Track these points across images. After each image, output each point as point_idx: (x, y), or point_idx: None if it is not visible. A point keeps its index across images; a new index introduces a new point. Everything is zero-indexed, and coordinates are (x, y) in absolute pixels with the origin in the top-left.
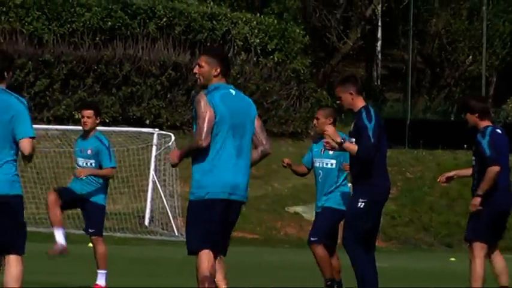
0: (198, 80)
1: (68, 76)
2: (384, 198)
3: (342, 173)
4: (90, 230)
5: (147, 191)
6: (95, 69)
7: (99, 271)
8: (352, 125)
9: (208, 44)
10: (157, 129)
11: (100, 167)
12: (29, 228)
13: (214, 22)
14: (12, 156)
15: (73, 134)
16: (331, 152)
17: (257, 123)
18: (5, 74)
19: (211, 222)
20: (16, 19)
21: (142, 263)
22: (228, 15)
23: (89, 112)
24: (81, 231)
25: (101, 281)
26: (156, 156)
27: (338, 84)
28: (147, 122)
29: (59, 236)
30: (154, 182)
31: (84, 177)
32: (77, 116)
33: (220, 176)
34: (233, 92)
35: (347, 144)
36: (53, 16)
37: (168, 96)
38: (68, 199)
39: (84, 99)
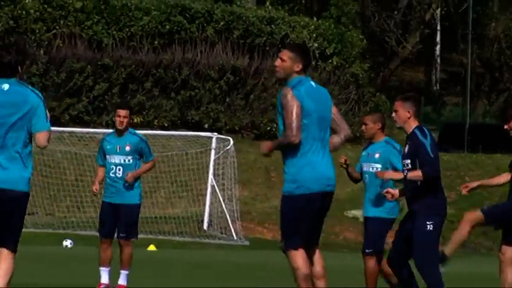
0: (277, 72)
1: (127, 80)
2: (446, 211)
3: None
4: (122, 234)
5: (205, 195)
6: (153, 73)
7: (122, 271)
8: (407, 148)
9: (270, 49)
10: (215, 133)
11: (135, 163)
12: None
13: (272, 26)
14: (28, 150)
15: None
16: (377, 156)
17: (334, 110)
18: (19, 67)
19: (309, 218)
20: (76, 23)
21: (201, 267)
22: (286, 19)
23: (125, 112)
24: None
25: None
26: (214, 160)
27: (400, 99)
28: (206, 126)
29: (104, 276)
30: (213, 186)
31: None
32: (135, 120)
33: (316, 169)
34: (313, 84)
35: (410, 174)
36: (112, 20)
37: (227, 100)
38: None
39: (142, 103)
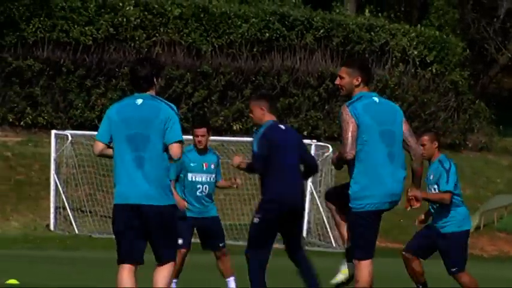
0: (341, 90)
1: (226, 87)
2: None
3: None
4: (221, 244)
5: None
6: (252, 81)
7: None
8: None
9: (370, 56)
10: (314, 141)
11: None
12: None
13: (372, 33)
14: (165, 162)
15: (231, 144)
16: (431, 177)
17: (405, 127)
18: (155, 80)
19: (372, 233)
20: (175, 30)
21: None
22: (386, 26)
23: (202, 130)
24: (234, 242)
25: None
26: None
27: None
28: (305, 133)
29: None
30: (311, 193)
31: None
32: (235, 128)
33: (379, 186)
34: (377, 99)
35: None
36: (211, 27)
37: (326, 107)
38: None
39: (241, 110)
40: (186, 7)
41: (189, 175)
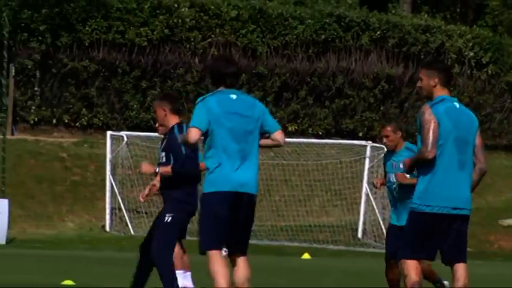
0: (422, 92)
1: (281, 88)
2: None
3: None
4: None
5: (360, 203)
6: (308, 82)
7: None
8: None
9: (425, 57)
10: (370, 142)
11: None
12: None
13: (428, 35)
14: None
15: (286, 146)
16: (401, 166)
17: (478, 140)
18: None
19: (427, 235)
20: (231, 31)
21: (355, 275)
22: (442, 27)
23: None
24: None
25: None
26: (369, 168)
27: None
28: (360, 134)
29: None
30: (367, 195)
31: None
32: (290, 129)
33: (447, 191)
34: (457, 105)
35: None
36: (267, 29)
37: (381, 108)
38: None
39: (296, 111)
40: (242, 8)
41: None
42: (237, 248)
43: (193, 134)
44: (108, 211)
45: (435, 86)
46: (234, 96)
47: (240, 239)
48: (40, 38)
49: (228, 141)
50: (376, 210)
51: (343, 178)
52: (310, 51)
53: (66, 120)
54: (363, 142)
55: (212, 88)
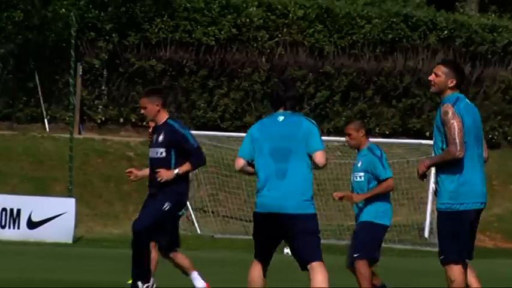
0: (432, 87)
1: (348, 88)
2: None
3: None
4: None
5: (426, 203)
6: (375, 81)
7: None
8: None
9: (492, 57)
10: None
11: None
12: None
13: (495, 34)
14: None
15: None
16: (359, 165)
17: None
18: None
19: (465, 234)
20: (298, 31)
21: (422, 275)
22: (510, 27)
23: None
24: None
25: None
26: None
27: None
28: (427, 133)
29: None
30: (434, 194)
31: None
32: None
33: (475, 186)
34: (469, 101)
35: None
36: (334, 28)
37: None
38: None
39: (363, 111)
40: (309, 8)
41: None
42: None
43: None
44: None
45: (452, 86)
46: (280, 118)
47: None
48: (107, 37)
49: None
50: None
51: (410, 178)
52: (378, 50)
53: (133, 120)
54: (430, 141)
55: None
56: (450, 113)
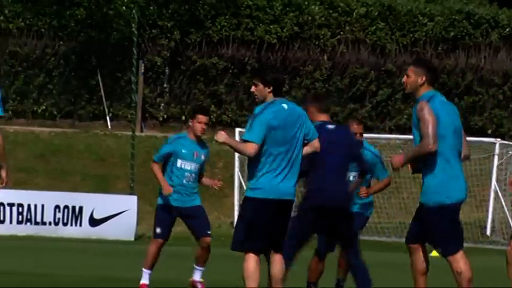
0: (405, 87)
1: None
2: None
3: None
4: (209, 232)
5: (488, 200)
6: (437, 79)
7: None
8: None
9: None
10: (499, 139)
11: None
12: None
13: None
14: None
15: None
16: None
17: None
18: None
19: (458, 224)
20: (360, 28)
21: (483, 273)
22: None
23: (206, 118)
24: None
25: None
26: (498, 166)
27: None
28: (489, 131)
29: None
30: (496, 192)
31: None
32: None
33: (458, 179)
34: (444, 99)
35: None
36: (396, 26)
37: (510, 106)
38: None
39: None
40: (371, 5)
41: (179, 162)
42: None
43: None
44: (236, 208)
45: (422, 83)
46: (285, 106)
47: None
48: (169, 35)
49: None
50: (505, 208)
51: (472, 175)
52: (439, 48)
53: None
54: (492, 139)
55: None
56: (425, 109)
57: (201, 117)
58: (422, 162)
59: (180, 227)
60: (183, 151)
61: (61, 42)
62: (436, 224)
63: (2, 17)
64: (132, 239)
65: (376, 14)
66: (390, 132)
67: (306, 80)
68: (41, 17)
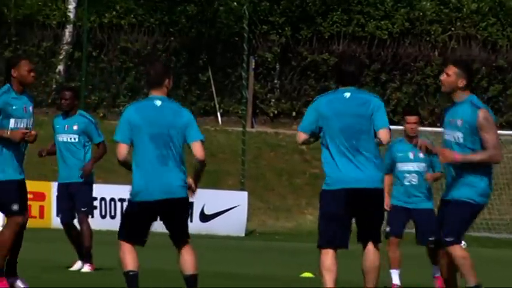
0: (443, 86)
1: None
2: None
3: None
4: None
5: None
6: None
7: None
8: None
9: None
10: None
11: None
12: (480, 234)
13: None
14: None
15: None
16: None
17: None
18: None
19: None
20: (471, 24)
21: None
22: None
23: (414, 118)
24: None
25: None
26: None
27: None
28: None
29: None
30: None
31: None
32: None
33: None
34: None
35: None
36: (507, 22)
37: None
38: None
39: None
40: (482, 1)
41: (398, 165)
42: None
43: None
44: None
45: (462, 87)
46: (347, 95)
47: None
48: (280, 30)
49: (338, 140)
50: None
51: None
52: None
53: None
54: None
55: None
56: (490, 118)
57: (409, 118)
58: (472, 165)
59: (290, 224)
60: (399, 154)
61: (172, 38)
62: (465, 218)
63: (113, 13)
64: (243, 234)
65: (487, 9)
66: (502, 129)
67: (417, 76)
68: (153, 13)
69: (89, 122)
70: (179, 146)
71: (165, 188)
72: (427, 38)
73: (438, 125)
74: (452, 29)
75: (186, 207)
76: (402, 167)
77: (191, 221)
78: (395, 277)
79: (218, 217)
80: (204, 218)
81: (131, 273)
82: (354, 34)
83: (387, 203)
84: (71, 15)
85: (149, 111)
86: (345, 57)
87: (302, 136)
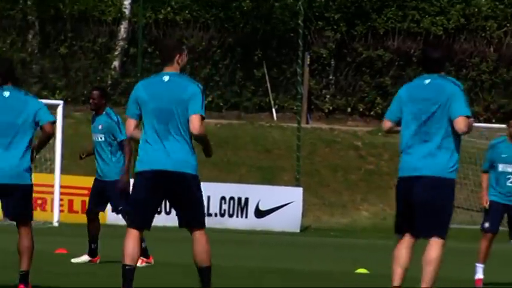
0: None
1: None
2: None
3: None
4: None
5: None
6: None
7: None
8: None
9: None
10: None
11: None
12: None
13: None
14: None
15: None
16: None
17: None
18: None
19: None
20: None
21: None
22: None
23: None
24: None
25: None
26: None
27: None
28: None
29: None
30: None
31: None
32: None
33: None
34: None
35: None
36: None
37: None
38: None
39: None
40: None
41: (500, 166)
42: None
43: (386, 125)
44: None
45: None
46: (427, 81)
47: None
48: (335, 26)
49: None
50: None
51: None
52: None
53: (361, 109)
54: None
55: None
56: None
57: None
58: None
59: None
60: (502, 156)
61: (227, 34)
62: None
63: (169, 9)
64: (298, 230)
65: None
66: None
67: (472, 72)
68: (208, 8)
69: (112, 121)
70: (185, 120)
71: (165, 161)
72: (483, 34)
73: (493, 121)
74: (508, 25)
75: (190, 185)
76: (506, 168)
77: (246, 216)
78: (479, 271)
79: (273, 213)
80: (259, 214)
81: (127, 267)
82: (409, 30)
83: (486, 199)
84: (126, 11)
85: (155, 86)
86: (430, 43)
87: (386, 124)
